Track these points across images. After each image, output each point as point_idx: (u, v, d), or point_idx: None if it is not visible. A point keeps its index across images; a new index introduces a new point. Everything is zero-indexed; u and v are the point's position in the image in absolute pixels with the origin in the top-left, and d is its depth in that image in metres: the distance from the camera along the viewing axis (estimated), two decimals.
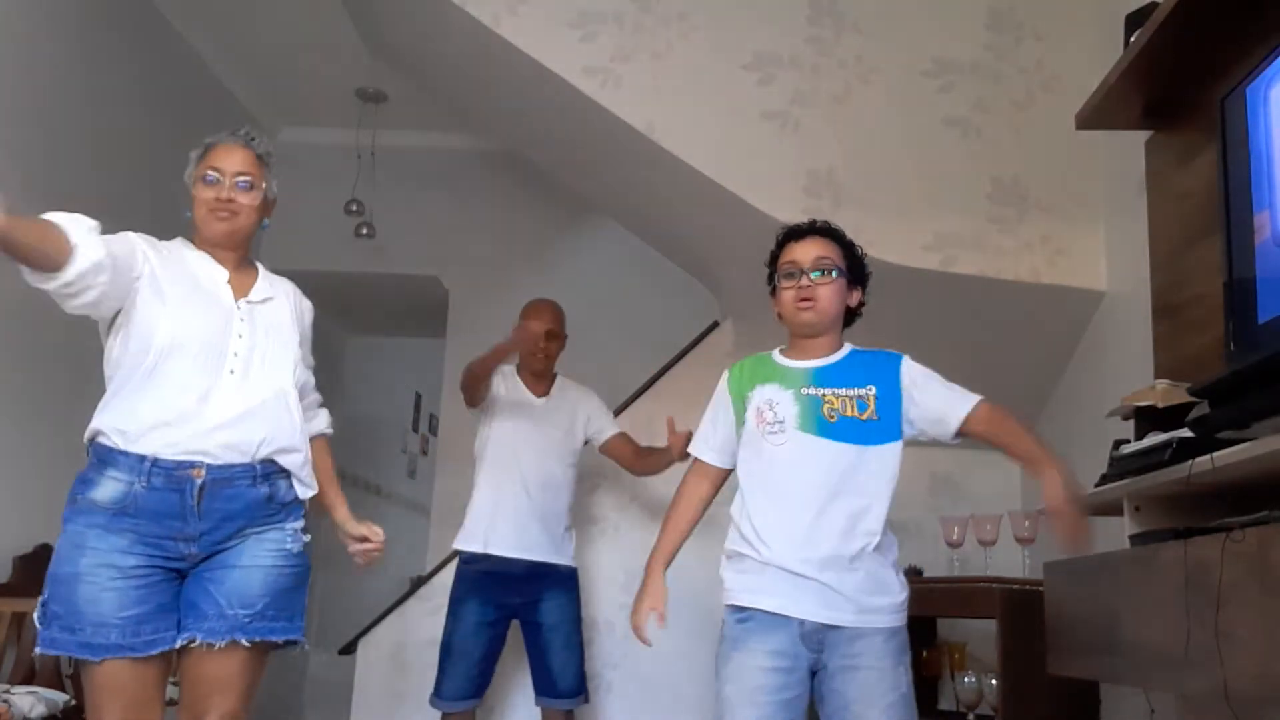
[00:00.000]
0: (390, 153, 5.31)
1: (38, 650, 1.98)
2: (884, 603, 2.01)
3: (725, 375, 2.23)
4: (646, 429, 4.12)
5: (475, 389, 3.30)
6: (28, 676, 3.15)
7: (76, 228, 1.83)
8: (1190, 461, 1.69)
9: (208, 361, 1.98)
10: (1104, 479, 2.07)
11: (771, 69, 3.32)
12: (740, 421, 2.14)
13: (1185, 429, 1.81)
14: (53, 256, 1.78)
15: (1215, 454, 1.63)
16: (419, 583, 4.20)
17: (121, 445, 1.93)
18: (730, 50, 3.33)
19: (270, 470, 2.03)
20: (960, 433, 2.05)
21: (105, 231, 1.93)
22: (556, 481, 3.35)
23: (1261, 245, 1.79)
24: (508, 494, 3.30)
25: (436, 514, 5.39)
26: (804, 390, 2.07)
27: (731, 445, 2.17)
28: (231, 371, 2.00)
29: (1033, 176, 3.21)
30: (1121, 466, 2.01)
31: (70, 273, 1.81)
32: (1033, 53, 3.31)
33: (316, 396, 2.28)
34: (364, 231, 5.12)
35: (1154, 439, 1.91)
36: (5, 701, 2.80)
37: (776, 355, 2.17)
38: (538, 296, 3.56)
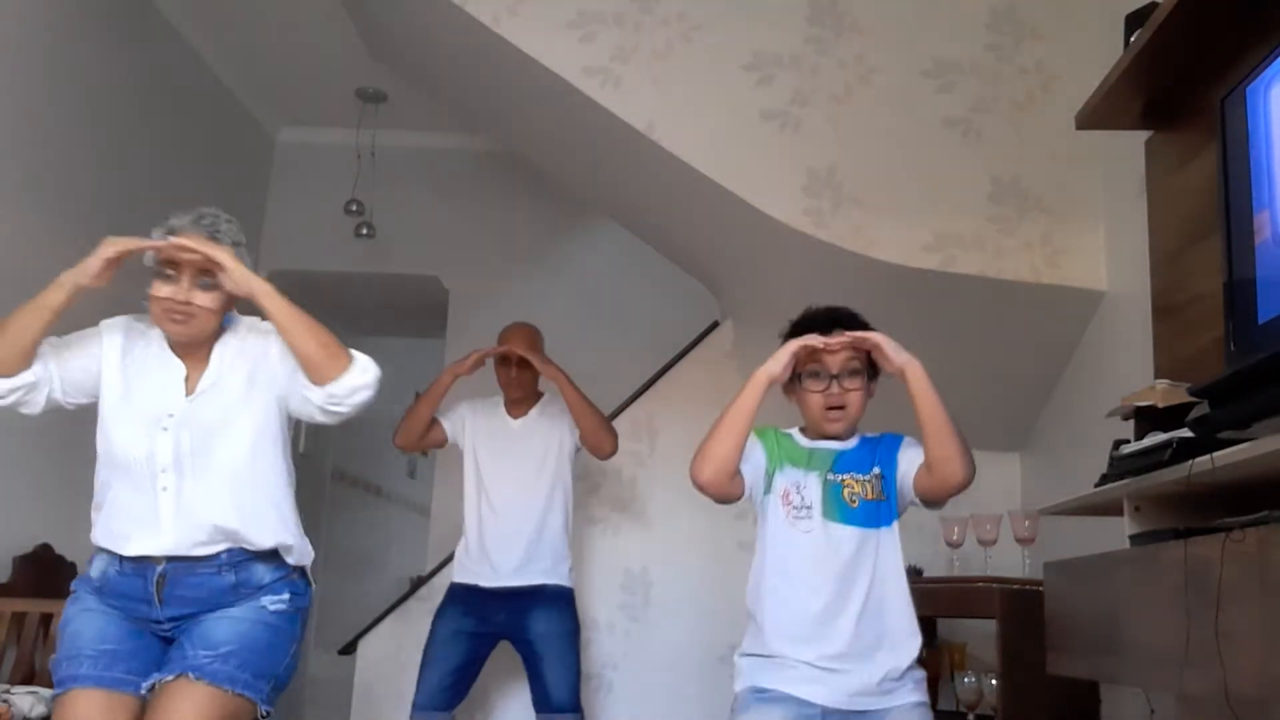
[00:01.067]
0: (390, 153, 5.31)
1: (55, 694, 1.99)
2: (908, 684, 2.00)
3: (761, 439, 2.09)
4: (647, 429, 4.13)
5: (418, 433, 3.33)
6: (28, 676, 3.15)
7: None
8: (1190, 461, 1.69)
9: (140, 480, 1.97)
10: (1104, 479, 2.07)
11: (771, 69, 3.32)
12: (766, 488, 2.06)
13: (1185, 429, 1.80)
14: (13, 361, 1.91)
15: (1215, 454, 1.62)
16: (419, 583, 4.20)
17: (105, 544, 2.00)
18: (730, 50, 3.33)
19: (239, 559, 1.97)
20: (919, 472, 2.01)
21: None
22: (541, 504, 3.29)
23: (1261, 245, 1.79)
24: (489, 524, 3.28)
25: (436, 514, 5.39)
26: (828, 476, 2.05)
27: (754, 474, 2.05)
28: (165, 489, 1.96)
29: (1033, 176, 3.21)
30: (1121, 466, 2.01)
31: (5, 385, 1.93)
32: (1033, 53, 3.31)
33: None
34: (364, 231, 5.12)
35: (1154, 439, 1.90)
36: (5, 701, 2.80)
37: (797, 435, 2.12)
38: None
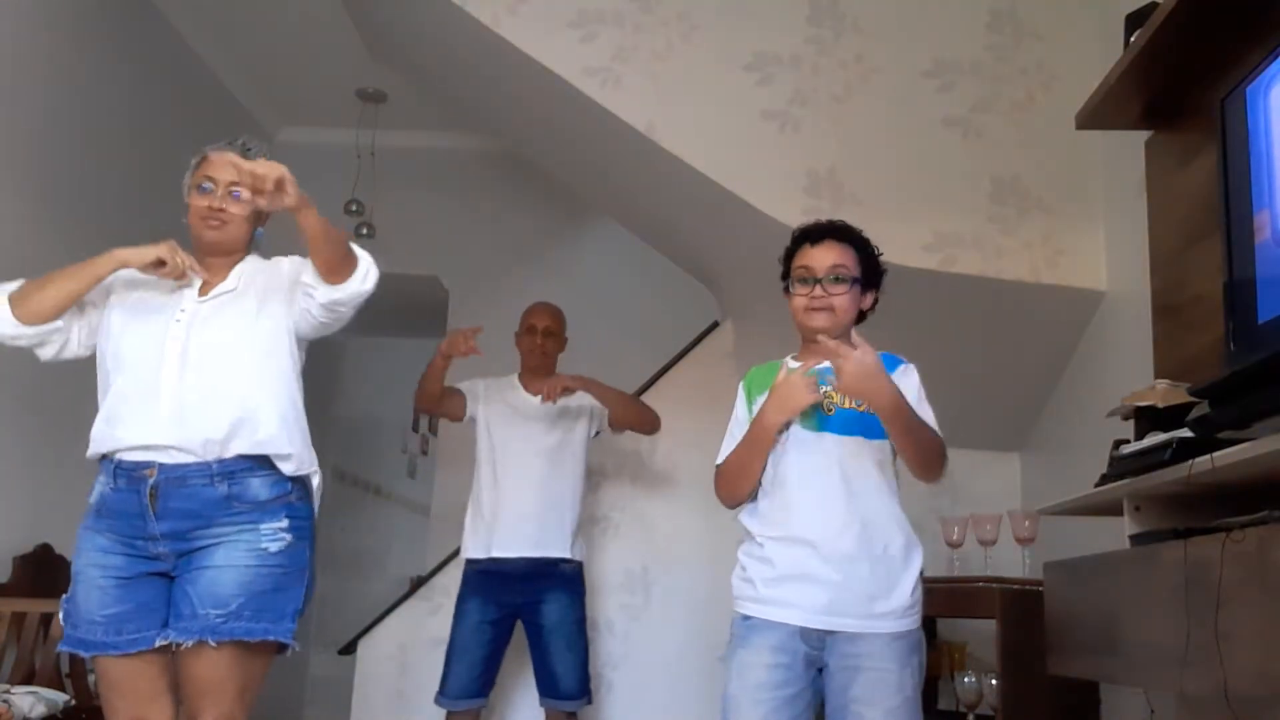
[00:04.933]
0: (390, 153, 5.31)
1: (58, 648, 2.06)
2: (892, 606, 1.98)
3: (741, 385, 2.19)
4: None
5: (433, 400, 3.38)
6: (28, 676, 3.15)
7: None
8: (1190, 461, 1.69)
9: (145, 370, 2.03)
10: (1104, 479, 2.07)
11: (771, 69, 3.32)
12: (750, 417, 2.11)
13: (1185, 429, 1.80)
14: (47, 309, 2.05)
15: (1215, 454, 1.62)
16: (419, 583, 4.20)
17: (99, 451, 2.05)
18: (730, 50, 3.33)
19: (233, 469, 2.01)
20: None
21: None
22: (555, 478, 3.33)
23: (1261, 245, 1.79)
24: (504, 496, 3.31)
25: (436, 514, 5.39)
26: None
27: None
28: (168, 376, 2.02)
29: (1033, 176, 3.21)
30: (1121, 466, 2.01)
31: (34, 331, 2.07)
32: (1033, 53, 3.31)
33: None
34: (364, 231, 5.12)
35: (1154, 439, 1.90)
36: (5, 701, 2.80)
37: (789, 360, 2.14)
38: (539, 298, 3.58)
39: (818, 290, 2.05)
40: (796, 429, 2.03)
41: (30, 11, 3.73)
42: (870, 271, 2.12)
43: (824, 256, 2.07)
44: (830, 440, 2.01)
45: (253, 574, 1.98)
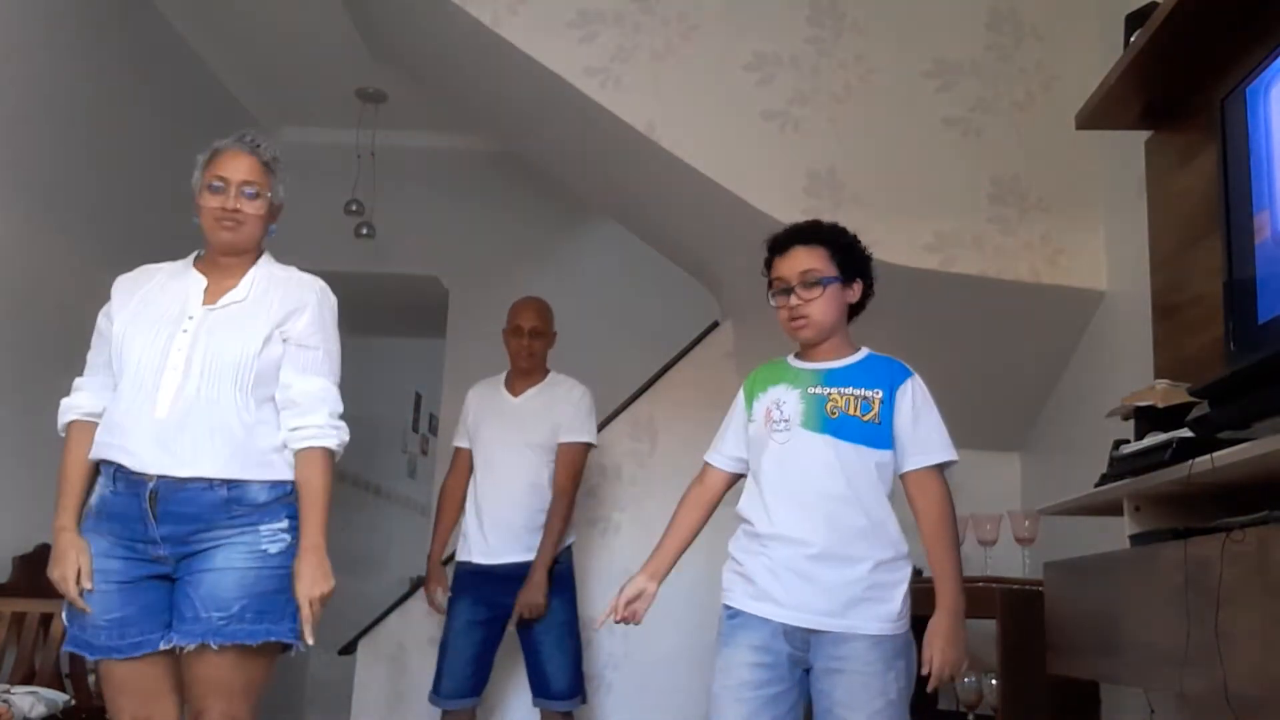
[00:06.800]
0: (390, 153, 5.31)
1: (63, 648, 2.09)
2: (877, 611, 1.96)
3: (742, 387, 2.19)
4: (647, 429, 4.13)
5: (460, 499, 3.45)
6: (28, 676, 3.15)
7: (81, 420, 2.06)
8: (1190, 461, 1.69)
9: (147, 376, 2.00)
10: (1104, 479, 2.07)
11: (771, 69, 3.32)
12: (749, 422, 2.12)
13: (1185, 429, 1.80)
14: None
15: (1215, 454, 1.62)
16: (419, 583, 4.20)
17: (97, 456, 2.02)
18: (730, 50, 3.33)
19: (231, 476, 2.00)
20: (903, 479, 2.04)
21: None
22: (541, 479, 3.31)
23: (1261, 245, 1.79)
24: (490, 501, 3.31)
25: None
26: (810, 389, 2.05)
27: (741, 451, 2.14)
28: (168, 384, 1.99)
29: (1033, 176, 3.21)
30: (1121, 466, 2.01)
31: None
32: (1033, 53, 3.31)
33: (318, 398, 2.16)
34: (364, 231, 5.12)
35: (1154, 439, 1.91)
36: (5, 701, 2.80)
37: (790, 359, 2.15)
38: (527, 295, 3.58)
39: (793, 300, 2.05)
40: (799, 430, 2.02)
41: (29, 12, 3.73)
42: (850, 263, 2.09)
43: (793, 264, 2.07)
44: (832, 444, 2.00)
45: (254, 575, 1.96)
